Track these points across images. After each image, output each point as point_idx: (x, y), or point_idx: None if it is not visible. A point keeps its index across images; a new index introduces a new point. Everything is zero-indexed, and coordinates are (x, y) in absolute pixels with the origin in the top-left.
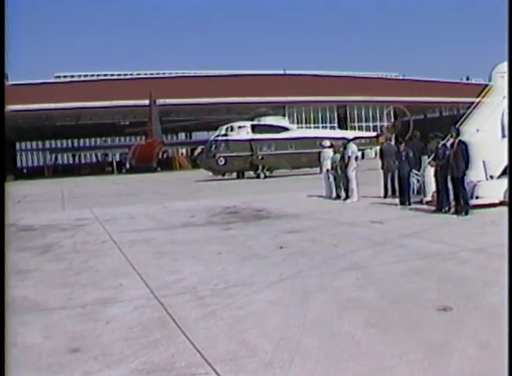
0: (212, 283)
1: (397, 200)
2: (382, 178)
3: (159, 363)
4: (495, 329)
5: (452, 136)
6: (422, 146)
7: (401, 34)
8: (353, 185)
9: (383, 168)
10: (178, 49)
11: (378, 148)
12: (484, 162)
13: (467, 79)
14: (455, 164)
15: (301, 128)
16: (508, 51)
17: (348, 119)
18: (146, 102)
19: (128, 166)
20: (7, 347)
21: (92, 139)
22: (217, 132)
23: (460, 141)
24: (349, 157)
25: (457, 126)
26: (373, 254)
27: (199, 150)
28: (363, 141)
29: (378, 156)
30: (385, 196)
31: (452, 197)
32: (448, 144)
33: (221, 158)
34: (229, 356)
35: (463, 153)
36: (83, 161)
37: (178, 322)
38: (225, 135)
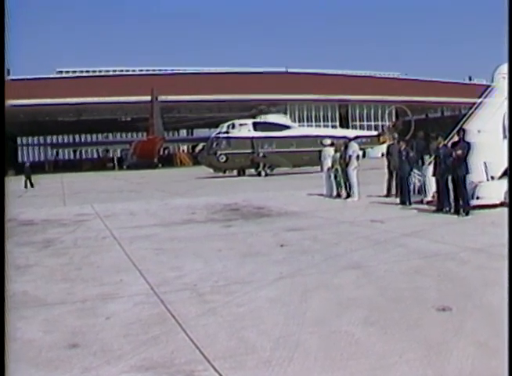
0: (212, 280)
1: (398, 200)
2: (386, 177)
3: (158, 360)
4: (494, 329)
5: (458, 135)
6: (424, 146)
7: (403, 33)
8: (354, 184)
9: (389, 167)
10: (180, 46)
11: (385, 147)
12: (485, 163)
13: (470, 79)
14: (458, 163)
15: (303, 126)
16: (508, 52)
17: (350, 118)
18: (148, 98)
19: (128, 162)
20: (7, 342)
21: (94, 135)
22: (218, 130)
23: (464, 141)
24: (350, 156)
25: (463, 126)
26: (373, 253)
27: (200, 147)
28: (364, 140)
29: (384, 155)
30: (387, 195)
31: (452, 197)
32: (449, 144)
33: (223, 155)
34: (229, 353)
35: (466, 153)
36: (84, 157)
37: (177, 319)
38: (227, 132)
